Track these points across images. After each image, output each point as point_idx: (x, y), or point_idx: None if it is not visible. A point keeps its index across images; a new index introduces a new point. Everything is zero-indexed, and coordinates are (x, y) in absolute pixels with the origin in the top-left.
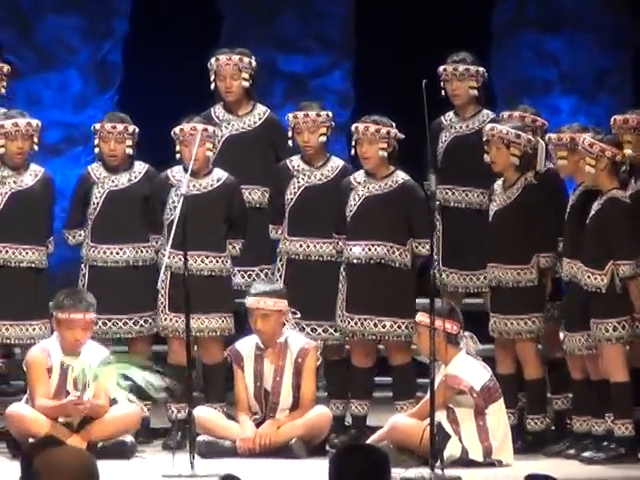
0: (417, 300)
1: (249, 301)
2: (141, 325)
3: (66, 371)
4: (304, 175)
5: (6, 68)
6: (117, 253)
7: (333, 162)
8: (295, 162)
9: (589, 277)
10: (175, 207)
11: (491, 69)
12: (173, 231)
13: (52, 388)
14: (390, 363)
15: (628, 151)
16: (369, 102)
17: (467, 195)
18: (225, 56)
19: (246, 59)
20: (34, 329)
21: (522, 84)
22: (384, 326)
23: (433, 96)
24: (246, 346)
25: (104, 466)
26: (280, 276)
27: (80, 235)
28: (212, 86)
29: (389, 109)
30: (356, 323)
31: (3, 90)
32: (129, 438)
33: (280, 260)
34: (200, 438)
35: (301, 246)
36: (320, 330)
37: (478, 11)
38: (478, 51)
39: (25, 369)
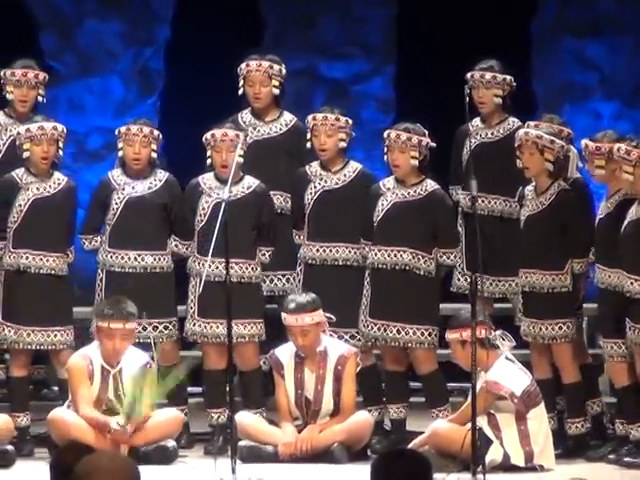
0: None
1: (287, 320)
2: (160, 331)
3: (107, 378)
4: (321, 179)
5: (42, 76)
6: (135, 259)
7: (350, 166)
8: (313, 167)
9: (632, 284)
10: (206, 214)
11: (531, 74)
12: (215, 238)
13: (93, 394)
14: (418, 373)
15: None
16: (411, 108)
17: (490, 202)
18: (255, 62)
19: (276, 66)
20: (56, 335)
21: (563, 89)
22: (407, 333)
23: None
24: (286, 354)
25: (146, 471)
26: (299, 281)
27: (96, 241)
28: (240, 91)
29: (431, 114)
30: (379, 329)
31: (40, 98)
32: (171, 443)
33: (299, 265)
34: (241, 443)
35: (317, 251)
36: (335, 337)
37: (519, 16)
38: (518, 56)
39: (66, 375)
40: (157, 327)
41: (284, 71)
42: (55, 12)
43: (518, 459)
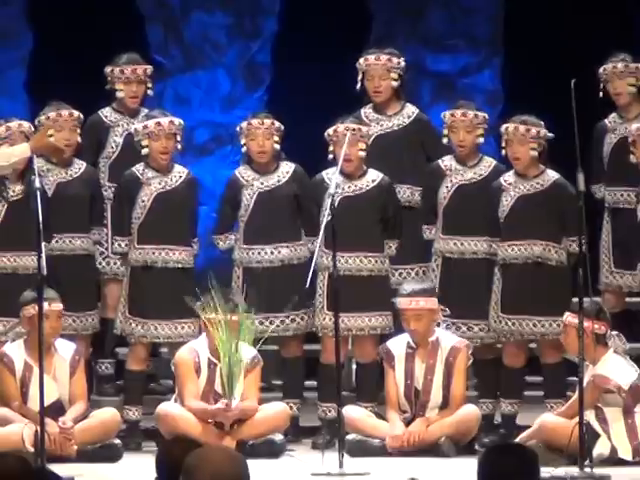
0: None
1: (401, 302)
2: (298, 323)
3: (214, 371)
4: (457, 174)
5: (149, 69)
6: (272, 253)
7: (485, 161)
8: (447, 161)
9: None
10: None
11: None
12: (322, 231)
13: (200, 388)
14: (542, 361)
15: None
16: (518, 101)
17: (638, 196)
18: (374, 56)
19: (395, 59)
20: (183, 328)
21: None
22: (543, 325)
23: (583, 95)
24: (398, 345)
25: (254, 465)
26: (435, 276)
27: (231, 239)
28: (358, 86)
29: (538, 108)
30: (514, 324)
31: (149, 92)
32: (279, 437)
33: (435, 260)
34: (349, 437)
35: (455, 244)
36: (477, 328)
37: (630, 8)
38: (627, 50)
39: (173, 369)
40: (294, 319)
41: (403, 64)
42: (161, 5)
43: (626, 453)
